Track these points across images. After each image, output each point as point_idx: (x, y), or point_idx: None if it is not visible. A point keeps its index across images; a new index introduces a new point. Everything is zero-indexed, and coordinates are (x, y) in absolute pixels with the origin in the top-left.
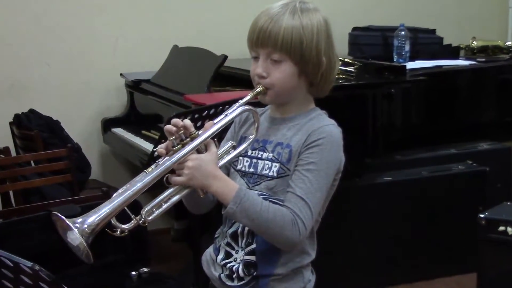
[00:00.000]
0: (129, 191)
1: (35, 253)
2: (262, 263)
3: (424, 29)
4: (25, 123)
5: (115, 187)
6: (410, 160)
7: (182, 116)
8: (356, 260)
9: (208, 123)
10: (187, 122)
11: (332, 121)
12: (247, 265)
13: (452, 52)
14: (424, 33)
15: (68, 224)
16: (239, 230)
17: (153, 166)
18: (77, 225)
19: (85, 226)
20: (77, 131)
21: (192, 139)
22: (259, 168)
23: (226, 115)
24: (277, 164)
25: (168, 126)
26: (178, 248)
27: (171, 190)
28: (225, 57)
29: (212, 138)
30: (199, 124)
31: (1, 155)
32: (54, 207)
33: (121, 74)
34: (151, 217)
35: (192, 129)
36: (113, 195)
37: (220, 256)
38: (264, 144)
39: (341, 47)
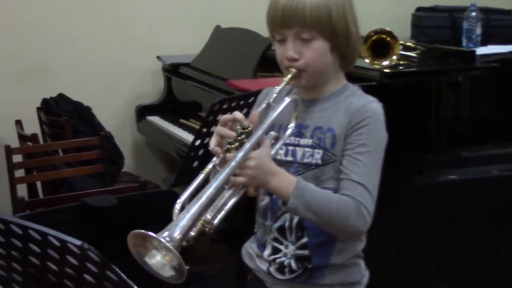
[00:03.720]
0: (203, 198)
1: None
2: (316, 256)
3: (498, 10)
4: (53, 108)
5: (150, 181)
6: (478, 157)
7: (226, 102)
8: (414, 268)
9: (254, 113)
10: (239, 115)
11: (372, 97)
12: (299, 259)
13: None
14: (499, 14)
15: (156, 237)
16: (287, 224)
17: (210, 166)
18: (167, 238)
19: (176, 234)
20: (108, 119)
21: (247, 135)
22: (299, 156)
23: (268, 104)
24: (320, 151)
25: (221, 129)
26: (216, 250)
27: (230, 191)
28: None
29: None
30: (244, 111)
31: (29, 143)
32: (86, 197)
33: (157, 57)
34: (216, 222)
35: (245, 122)
36: (176, 208)
37: (267, 251)
38: (299, 129)
39: (403, 29)
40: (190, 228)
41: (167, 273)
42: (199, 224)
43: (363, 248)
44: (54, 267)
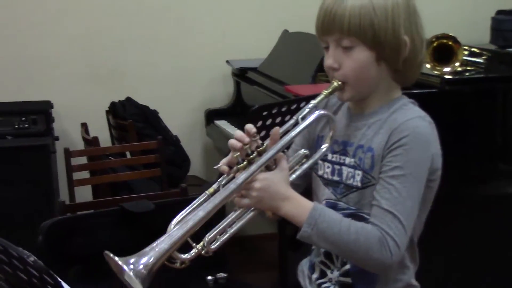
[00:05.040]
0: (190, 222)
1: (104, 250)
2: (358, 285)
3: None
4: (120, 112)
5: None
6: None
7: (265, 109)
8: (476, 283)
9: (274, 130)
10: (249, 127)
11: (419, 113)
12: (343, 286)
13: None
14: None
15: (120, 265)
16: None
17: (214, 186)
18: (131, 266)
19: (140, 266)
20: (177, 122)
21: (260, 153)
22: (344, 176)
23: (297, 121)
24: (360, 172)
25: (232, 142)
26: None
27: (236, 213)
28: None
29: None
30: (287, 118)
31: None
32: (126, 202)
33: (227, 61)
34: (215, 246)
35: (259, 141)
36: (171, 224)
37: (315, 275)
38: (344, 147)
39: (482, 33)
40: (165, 254)
41: None
42: (198, 246)
43: (414, 272)
44: (24, 276)
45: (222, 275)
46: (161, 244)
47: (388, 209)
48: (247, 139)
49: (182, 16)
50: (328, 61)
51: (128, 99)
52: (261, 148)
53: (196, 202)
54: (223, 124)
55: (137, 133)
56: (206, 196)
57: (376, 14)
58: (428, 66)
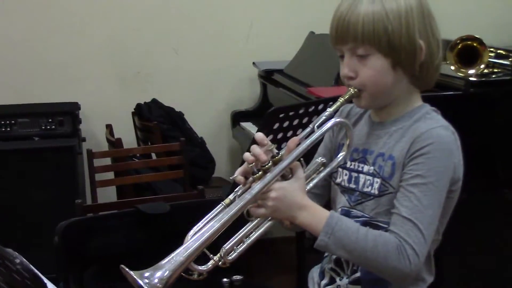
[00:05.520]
0: (205, 234)
1: (120, 251)
2: None
3: None
4: (145, 113)
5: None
6: None
7: (282, 111)
8: None
9: (292, 140)
10: (259, 137)
11: (442, 122)
12: None
13: None
14: None
15: (136, 279)
16: None
17: (231, 197)
18: (146, 280)
19: (156, 280)
20: (203, 124)
21: (275, 163)
22: (361, 183)
23: (313, 129)
24: (378, 180)
25: (247, 155)
26: (308, 259)
27: (253, 223)
28: None
29: (299, 159)
30: (305, 120)
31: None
32: (143, 203)
33: (253, 63)
34: (232, 257)
35: (274, 151)
36: (188, 235)
37: (324, 281)
38: (364, 155)
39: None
40: (180, 267)
41: None
42: (215, 258)
43: (429, 284)
44: (18, 277)
45: (238, 277)
46: (177, 257)
47: (408, 217)
48: (258, 151)
49: (208, 18)
50: (344, 71)
51: (154, 101)
52: (276, 158)
53: (213, 213)
54: (249, 126)
55: (162, 135)
56: (222, 207)
57: (390, 19)
58: (452, 68)
